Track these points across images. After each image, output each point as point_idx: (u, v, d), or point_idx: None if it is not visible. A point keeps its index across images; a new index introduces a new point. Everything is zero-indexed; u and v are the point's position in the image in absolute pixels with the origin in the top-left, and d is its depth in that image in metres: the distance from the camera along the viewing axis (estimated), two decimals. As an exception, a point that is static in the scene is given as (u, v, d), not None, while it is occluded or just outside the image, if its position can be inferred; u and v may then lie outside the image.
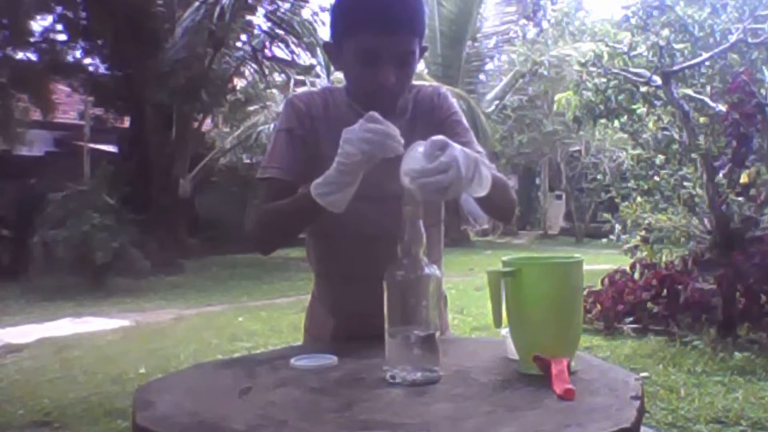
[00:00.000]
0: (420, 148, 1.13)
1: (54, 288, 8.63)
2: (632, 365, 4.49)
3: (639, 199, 6.85)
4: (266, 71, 12.62)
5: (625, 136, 7.32)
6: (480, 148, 1.41)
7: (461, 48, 14.28)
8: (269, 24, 12.01)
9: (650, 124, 6.42)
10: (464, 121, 1.51)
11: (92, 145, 11.87)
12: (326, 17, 12.05)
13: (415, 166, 1.10)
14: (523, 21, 17.21)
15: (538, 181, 20.31)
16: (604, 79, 6.28)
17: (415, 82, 1.50)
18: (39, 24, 11.17)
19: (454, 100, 1.54)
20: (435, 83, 1.76)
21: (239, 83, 13.34)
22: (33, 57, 11.23)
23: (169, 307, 7.89)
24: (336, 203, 1.24)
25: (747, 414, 3.56)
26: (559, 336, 1.17)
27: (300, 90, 10.71)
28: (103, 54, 11.77)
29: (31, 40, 10.98)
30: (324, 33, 12.36)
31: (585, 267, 1.22)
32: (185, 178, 11.92)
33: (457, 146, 1.12)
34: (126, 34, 10.39)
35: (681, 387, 4.09)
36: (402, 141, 1.18)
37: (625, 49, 6.07)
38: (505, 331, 1.24)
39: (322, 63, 13.66)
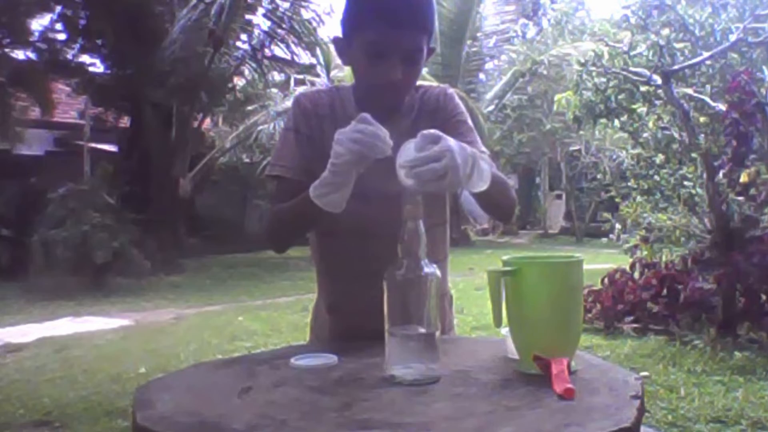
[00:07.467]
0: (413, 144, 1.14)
1: (54, 288, 8.62)
2: (632, 365, 4.50)
3: (639, 198, 6.84)
4: (266, 70, 12.63)
5: (625, 135, 7.31)
6: (484, 149, 1.42)
7: (461, 47, 14.26)
8: (269, 23, 12.01)
9: (650, 124, 6.41)
10: (469, 121, 1.51)
11: (92, 145, 11.87)
12: (326, 17, 12.09)
13: (409, 158, 1.11)
14: (522, 20, 17.21)
15: (538, 180, 20.32)
16: (604, 79, 6.27)
17: (422, 82, 1.50)
18: (38, 23, 11.18)
19: (460, 102, 1.54)
20: (437, 83, 1.76)
21: (239, 82, 13.33)
22: (32, 56, 11.22)
23: (169, 307, 7.89)
24: (333, 203, 1.25)
25: (747, 413, 3.56)
26: (559, 335, 1.17)
27: (302, 89, 10.73)
28: (103, 53, 11.77)
29: (31, 39, 10.97)
30: (324, 33, 12.38)
31: (585, 266, 1.22)
32: (185, 178, 11.92)
33: (451, 139, 1.13)
34: (126, 33, 10.39)
35: (681, 386, 4.09)
36: (391, 143, 1.18)
37: (625, 48, 6.06)
38: (505, 330, 1.24)
39: (322, 62, 13.67)
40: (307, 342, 1.66)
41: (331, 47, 9.44)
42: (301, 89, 11.22)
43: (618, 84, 6.24)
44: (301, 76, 13.43)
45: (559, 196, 19.34)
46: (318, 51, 13.09)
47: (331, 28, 13.49)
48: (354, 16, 1.39)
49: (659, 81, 5.59)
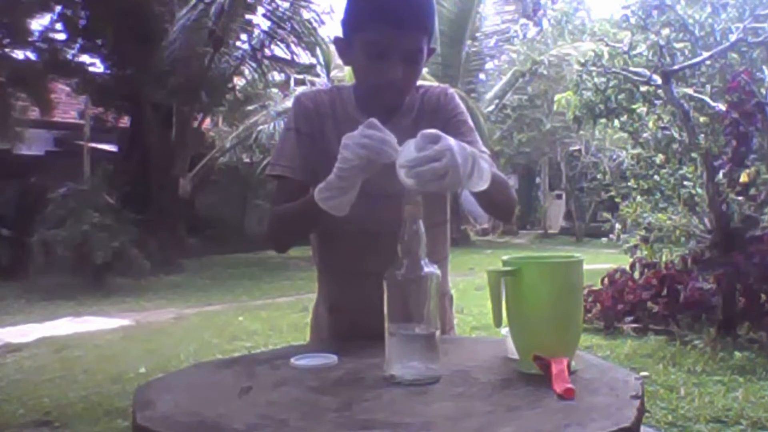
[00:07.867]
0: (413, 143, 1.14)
1: (54, 288, 8.62)
2: (632, 364, 4.50)
3: (639, 198, 6.84)
4: (266, 70, 12.63)
5: (625, 135, 7.31)
6: (485, 149, 1.42)
7: (461, 47, 14.27)
8: (269, 23, 12.01)
9: (650, 124, 6.41)
10: (469, 121, 1.51)
11: (92, 145, 11.87)
12: (326, 17, 12.10)
13: (409, 157, 1.11)
14: (522, 20, 17.20)
15: (538, 180, 20.32)
16: (603, 79, 6.27)
17: (422, 82, 1.51)
18: (38, 23, 11.18)
19: (460, 102, 1.54)
20: (437, 83, 1.77)
21: (239, 82, 13.33)
22: (32, 56, 11.22)
23: (169, 307, 7.89)
24: (337, 207, 1.25)
25: (747, 413, 3.57)
26: (559, 335, 1.17)
27: (302, 89, 10.73)
28: (103, 53, 11.77)
29: (31, 39, 10.96)
30: (324, 33, 12.39)
31: (585, 266, 1.22)
32: (185, 178, 11.91)
33: (451, 138, 1.13)
34: (126, 33, 10.38)
35: (681, 386, 4.09)
36: (398, 149, 1.18)
37: (625, 48, 6.06)
38: (505, 330, 1.24)
39: (322, 62, 13.67)
40: (307, 342, 1.66)
41: (331, 47, 9.43)
42: (301, 89, 11.22)
43: (618, 84, 6.24)
44: (301, 76, 13.43)
45: (559, 196, 19.34)
46: (318, 51, 13.08)
47: (331, 28, 13.51)
48: (354, 17, 1.39)
49: (659, 81, 5.59)
